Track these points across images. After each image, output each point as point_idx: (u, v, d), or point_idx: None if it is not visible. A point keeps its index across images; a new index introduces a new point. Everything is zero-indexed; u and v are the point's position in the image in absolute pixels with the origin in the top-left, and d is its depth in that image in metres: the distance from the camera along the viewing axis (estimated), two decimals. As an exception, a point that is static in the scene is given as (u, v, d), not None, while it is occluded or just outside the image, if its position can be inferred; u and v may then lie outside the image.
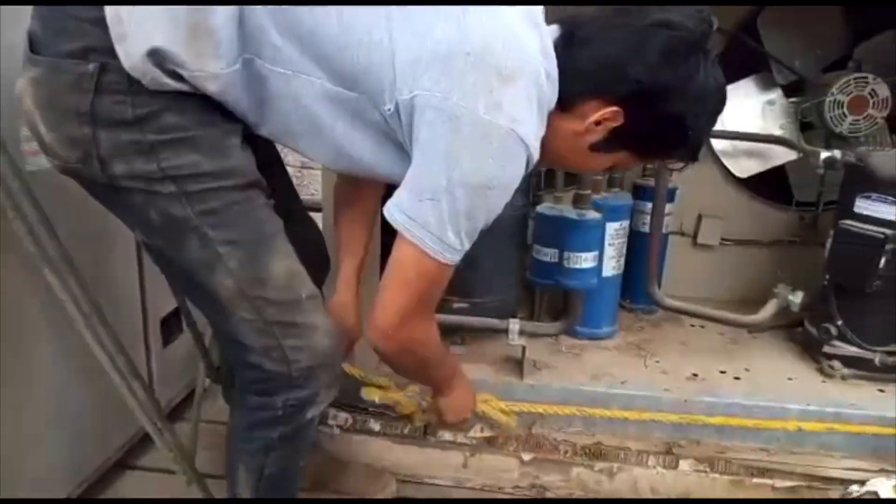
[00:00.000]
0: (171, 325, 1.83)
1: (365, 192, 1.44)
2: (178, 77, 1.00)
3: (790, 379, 1.93)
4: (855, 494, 1.45)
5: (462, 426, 1.62)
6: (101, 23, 0.97)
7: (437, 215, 1.03)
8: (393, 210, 1.06)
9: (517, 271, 2.02)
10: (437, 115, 1.00)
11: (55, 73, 1.00)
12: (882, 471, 1.67)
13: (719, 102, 1.12)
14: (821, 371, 1.96)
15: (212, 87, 1.02)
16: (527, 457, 1.77)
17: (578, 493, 1.77)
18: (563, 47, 1.08)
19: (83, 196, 1.24)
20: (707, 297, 2.32)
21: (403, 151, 1.09)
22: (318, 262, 1.42)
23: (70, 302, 1.29)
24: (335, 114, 1.07)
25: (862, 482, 1.50)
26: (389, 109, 1.04)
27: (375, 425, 1.81)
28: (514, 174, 1.05)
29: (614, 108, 1.06)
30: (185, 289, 1.30)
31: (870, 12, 2.13)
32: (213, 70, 1.01)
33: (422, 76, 1.00)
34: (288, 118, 1.09)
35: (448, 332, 1.95)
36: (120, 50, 0.97)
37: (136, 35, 0.98)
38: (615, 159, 1.17)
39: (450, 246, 1.07)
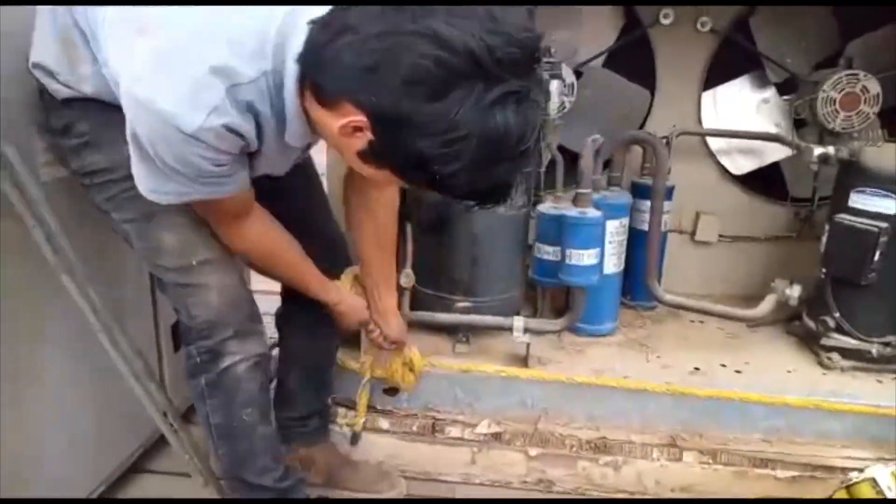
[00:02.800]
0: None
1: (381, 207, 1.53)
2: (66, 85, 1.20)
3: (789, 371, 1.96)
4: (854, 481, 1.49)
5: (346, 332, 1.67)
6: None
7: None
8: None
9: (520, 270, 2.05)
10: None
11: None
12: (881, 459, 1.71)
13: (499, 151, 0.91)
14: (820, 363, 1.99)
15: (87, 90, 1.19)
16: (533, 452, 1.81)
17: (585, 487, 1.81)
18: (325, 31, 0.95)
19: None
20: (706, 293, 2.36)
21: None
22: (336, 260, 1.59)
23: (88, 309, 1.33)
24: None
25: (861, 470, 1.53)
26: None
27: (385, 423, 1.85)
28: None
29: (362, 118, 0.94)
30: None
31: (860, 10, 2.17)
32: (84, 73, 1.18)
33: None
34: None
35: (453, 330, 2.00)
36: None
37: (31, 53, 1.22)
38: (387, 177, 1.03)
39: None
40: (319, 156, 1.54)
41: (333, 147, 1.10)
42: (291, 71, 1.02)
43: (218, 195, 1.15)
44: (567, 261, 1.81)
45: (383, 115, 0.92)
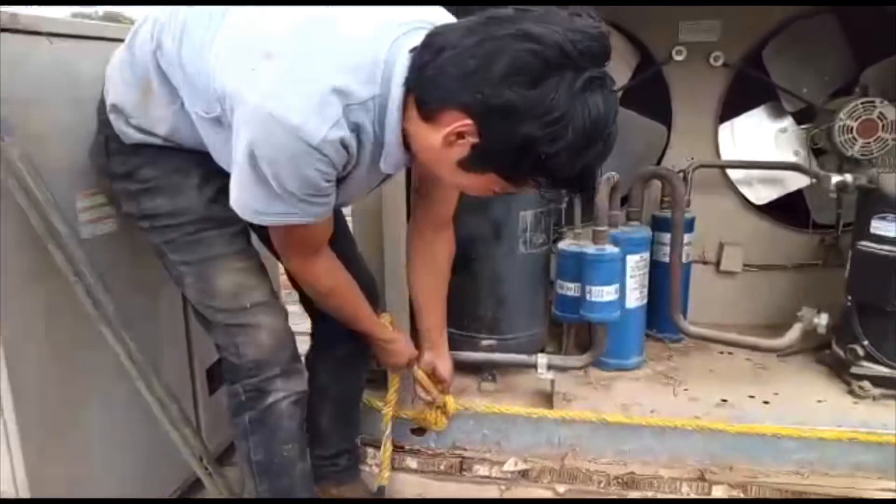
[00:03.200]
0: (215, 374, 1.93)
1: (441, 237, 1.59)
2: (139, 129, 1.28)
3: (819, 401, 1.94)
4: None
5: (395, 369, 1.73)
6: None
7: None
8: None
9: (543, 307, 2.08)
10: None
11: (94, 144, 1.39)
12: (918, 490, 1.68)
13: (594, 132, 1.00)
14: (851, 392, 1.97)
15: (161, 131, 1.27)
16: (561, 489, 1.81)
17: (614, 524, 1.80)
18: (426, 53, 1.05)
19: (133, 258, 1.40)
20: (733, 324, 2.36)
21: None
22: (373, 300, 1.62)
23: (124, 355, 1.40)
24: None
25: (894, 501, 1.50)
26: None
27: (413, 462, 1.88)
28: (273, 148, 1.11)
29: (467, 121, 1.02)
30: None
31: (874, 36, 2.19)
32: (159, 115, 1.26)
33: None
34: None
35: (478, 369, 2.03)
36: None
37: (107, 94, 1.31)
38: (486, 181, 1.11)
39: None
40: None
41: (430, 165, 1.15)
42: (396, 96, 1.09)
43: (313, 217, 1.21)
44: (588, 297, 1.84)
45: (488, 109, 1.00)
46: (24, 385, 1.30)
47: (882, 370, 1.93)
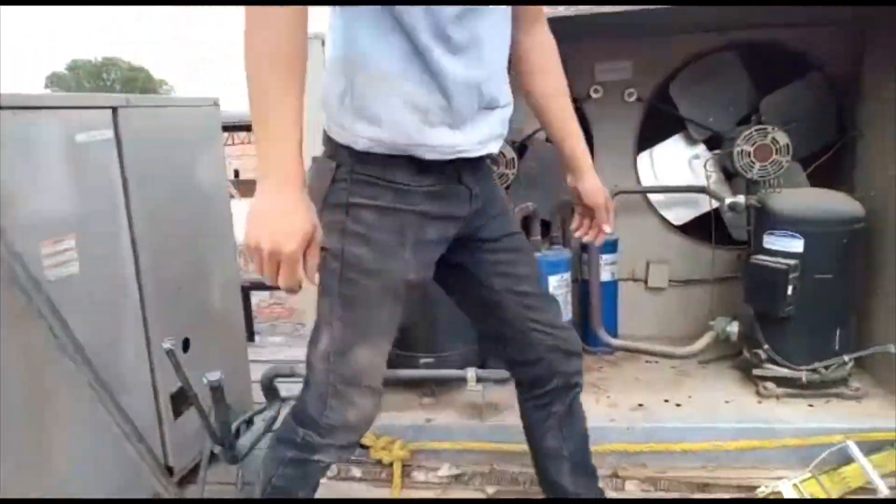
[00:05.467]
0: (179, 400, 2.13)
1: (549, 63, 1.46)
2: None
3: (727, 402, 2.13)
4: (762, 496, 1.65)
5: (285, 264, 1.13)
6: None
7: None
8: None
9: (478, 326, 2.29)
10: None
11: (317, 170, 1.30)
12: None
13: None
14: (757, 393, 2.16)
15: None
16: (490, 490, 2.00)
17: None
18: None
19: (95, 296, 1.62)
20: (663, 335, 2.56)
21: None
22: (559, 354, 1.49)
23: (88, 382, 1.62)
24: None
25: (767, 486, 1.69)
26: None
27: (357, 472, 2.07)
28: None
29: None
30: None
31: (772, 68, 2.42)
32: None
33: None
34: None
35: (417, 385, 2.23)
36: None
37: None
38: None
39: None
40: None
41: None
42: None
43: None
44: (508, 315, 2.05)
45: None
46: (6, 407, 1.51)
47: (782, 371, 2.12)
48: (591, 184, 1.48)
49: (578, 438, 1.61)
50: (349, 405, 1.34)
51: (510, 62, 1.37)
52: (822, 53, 2.40)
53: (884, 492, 1.66)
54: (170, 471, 2.06)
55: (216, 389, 1.88)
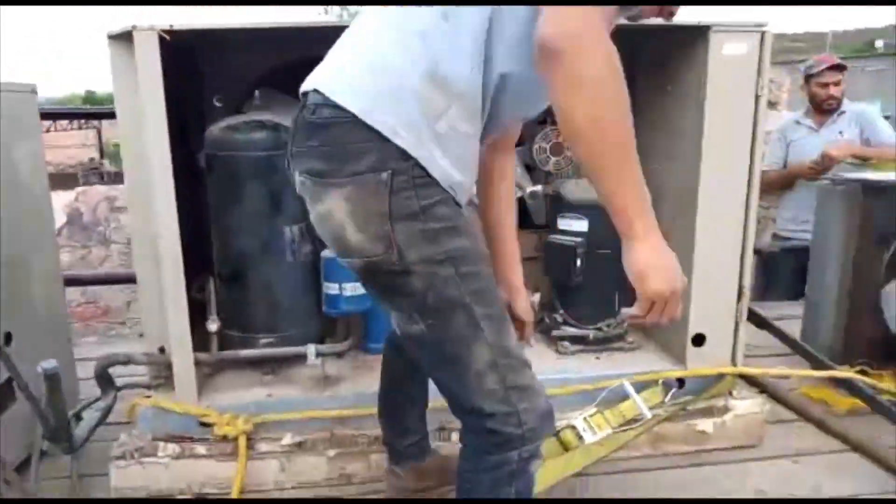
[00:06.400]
0: (4, 394, 2.07)
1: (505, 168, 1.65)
2: None
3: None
4: (558, 429, 2.00)
5: (669, 308, 1.23)
6: (378, 141, 1.21)
7: None
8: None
9: (316, 306, 2.45)
10: None
11: (360, 186, 1.22)
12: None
13: None
14: (556, 351, 2.56)
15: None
16: (332, 453, 2.19)
17: (378, 475, 2.20)
18: None
19: None
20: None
21: None
22: None
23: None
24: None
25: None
26: None
27: (202, 449, 2.15)
28: None
29: None
30: (438, 365, 1.38)
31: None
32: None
33: None
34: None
35: (258, 364, 2.35)
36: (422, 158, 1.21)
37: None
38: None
39: None
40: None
41: None
42: None
43: None
44: (344, 293, 2.25)
45: None
46: None
47: (575, 331, 2.54)
48: (525, 304, 1.71)
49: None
50: (534, 394, 1.31)
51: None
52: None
53: (647, 415, 2.10)
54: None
55: (52, 378, 1.89)
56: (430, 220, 1.23)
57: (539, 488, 1.86)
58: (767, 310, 3.62)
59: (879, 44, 26.72)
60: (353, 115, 1.22)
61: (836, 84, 3.86)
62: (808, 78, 3.93)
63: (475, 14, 1.22)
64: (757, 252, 4.65)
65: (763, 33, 2.14)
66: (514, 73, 1.25)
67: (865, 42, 28.20)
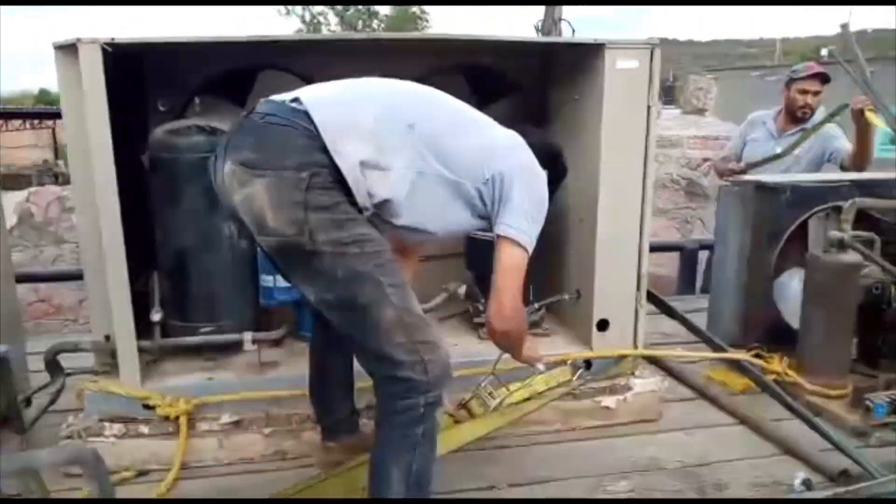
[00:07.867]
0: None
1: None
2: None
3: (455, 344, 2.72)
4: (467, 399, 2.24)
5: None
6: (308, 143, 1.57)
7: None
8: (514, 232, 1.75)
9: (253, 296, 2.63)
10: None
11: (281, 179, 1.55)
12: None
13: None
14: (478, 336, 2.79)
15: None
16: (267, 431, 2.38)
17: (310, 451, 2.38)
18: None
19: None
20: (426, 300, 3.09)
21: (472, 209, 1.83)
22: None
23: None
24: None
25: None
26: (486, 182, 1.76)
27: (145, 429, 2.32)
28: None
29: None
30: (351, 325, 1.67)
31: (490, 82, 3.05)
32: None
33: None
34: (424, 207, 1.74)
35: (199, 352, 2.53)
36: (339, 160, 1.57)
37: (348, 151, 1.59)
38: None
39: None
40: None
41: None
42: None
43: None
44: (278, 285, 2.44)
45: None
46: None
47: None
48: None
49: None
50: (436, 346, 1.60)
51: None
52: (523, 77, 3.08)
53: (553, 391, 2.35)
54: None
55: (1, 361, 2.04)
56: (337, 213, 1.57)
57: (452, 447, 2.11)
58: (686, 303, 3.94)
59: (824, 52, 27.73)
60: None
61: (815, 94, 3.82)
62: (791, 82, 3.89)
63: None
64: (681, 249, 5.01)
65: (652, 50, 2.40)
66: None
67: (812, 49, 29.29)
